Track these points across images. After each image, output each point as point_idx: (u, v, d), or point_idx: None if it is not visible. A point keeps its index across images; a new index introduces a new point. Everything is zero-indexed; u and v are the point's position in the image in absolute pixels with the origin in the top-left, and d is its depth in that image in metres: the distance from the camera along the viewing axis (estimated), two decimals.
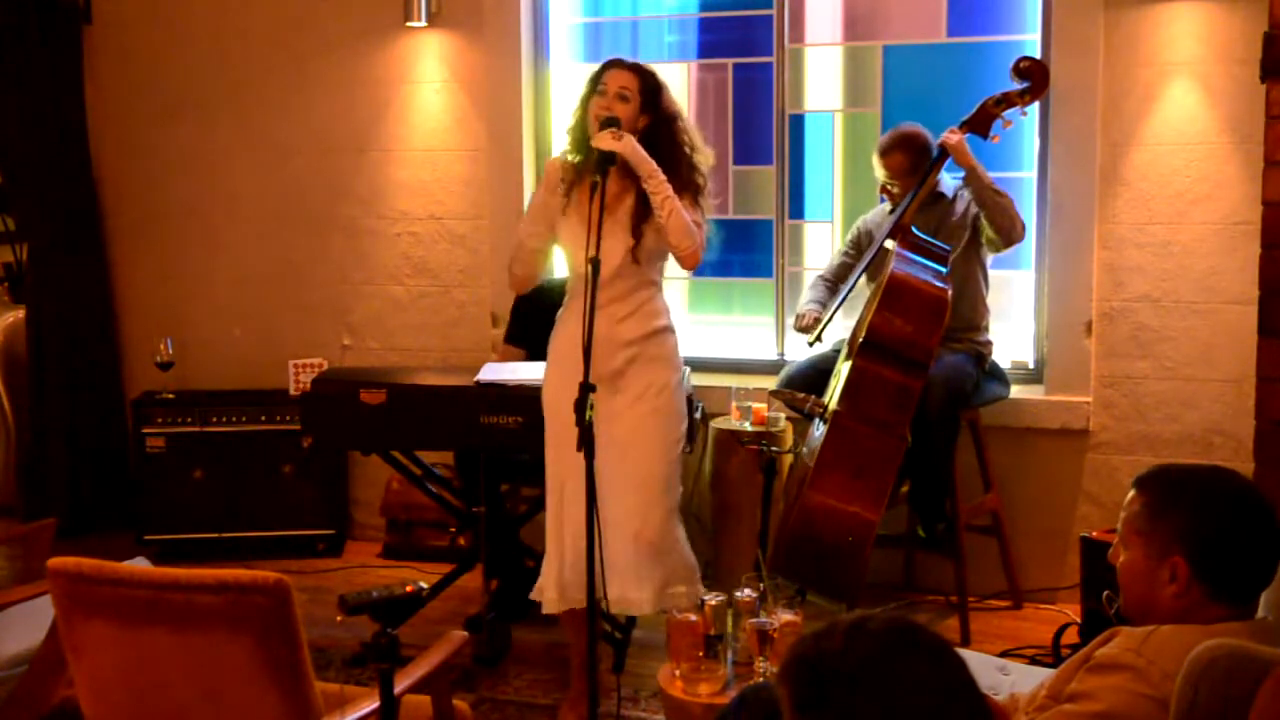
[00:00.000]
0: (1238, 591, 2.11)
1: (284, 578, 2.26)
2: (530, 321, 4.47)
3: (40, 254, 5.45)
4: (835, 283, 4.46)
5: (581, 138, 3.47)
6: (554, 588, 3.49)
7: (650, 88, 3.46)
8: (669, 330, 3.57)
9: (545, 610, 3.53)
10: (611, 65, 3.49)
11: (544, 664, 4.04)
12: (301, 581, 4.50)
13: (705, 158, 3.53)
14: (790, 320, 4.59)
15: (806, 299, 4.45)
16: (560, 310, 3.60)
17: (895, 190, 4.28)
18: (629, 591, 3.41)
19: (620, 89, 3.43)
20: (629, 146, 3.33)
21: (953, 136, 4.12)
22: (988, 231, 4.18)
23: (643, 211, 3.42)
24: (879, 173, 4.31)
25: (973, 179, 4.14)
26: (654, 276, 3.54)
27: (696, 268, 3.51)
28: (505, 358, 4.42)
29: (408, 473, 4.38)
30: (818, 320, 4.28)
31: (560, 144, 5.02)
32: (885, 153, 4.28)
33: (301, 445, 4.25)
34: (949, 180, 4.28)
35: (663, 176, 3.35)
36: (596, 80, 3.48)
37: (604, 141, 3.33)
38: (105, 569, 2.35)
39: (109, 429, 5.57)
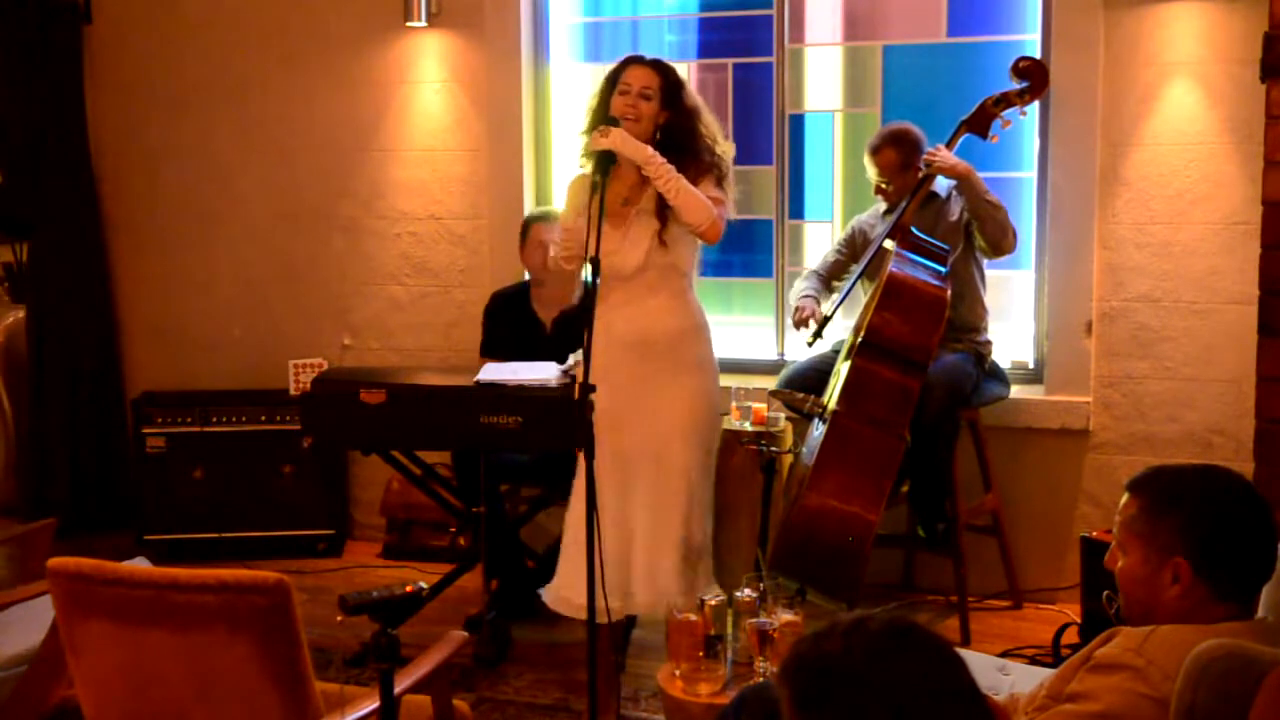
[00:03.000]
0: (1239, 589, 2.11)
1: (284, 578, 2.27)
2: (502, 330, 4.49)
3: (40, 254, 5.45)
4: (829, 277, 4.46)
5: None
6: (637, 591, 3.45)
7: (670, 83, 3.46)
8: (703, 328, 3.56)
9: (617, 618, 3.42)
10: (631, 63, 3.48)
11: (544, 664, 4.04)
12: (301, 581, 4.51)
13: (726, 150, 3.52)
14: (790, 319, 4.57)
15: (799, 290, 4.43)
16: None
17: (889, 189, 4.28)
18: (680, 598, 3.39)
19: (643, 88, 3.42)
20: (618, 139, 3.32)
21: (934, 156, 4.11)
22: (978, 239, 4.19)
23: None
24: (870, 173, 4.31)
25: (966, 187, 4.13)
26: (684, 269, 3.51)
27: (719, 239, 3.49)
28: None
29: (408, 473, 4.38)
30: (814, 313, 4.27)
31: (559, 147, 5.09)
32: (875, 151, 4.28)
33: (301, 445, 4.25)
34: (942, 180, 4.27)
35: (660, 159, 3.34)
36: (615, 79, 3.46)
37: (596, 143, 3.32)
38: (105, 569, 2.35)
39: (109, 429, 5.57)
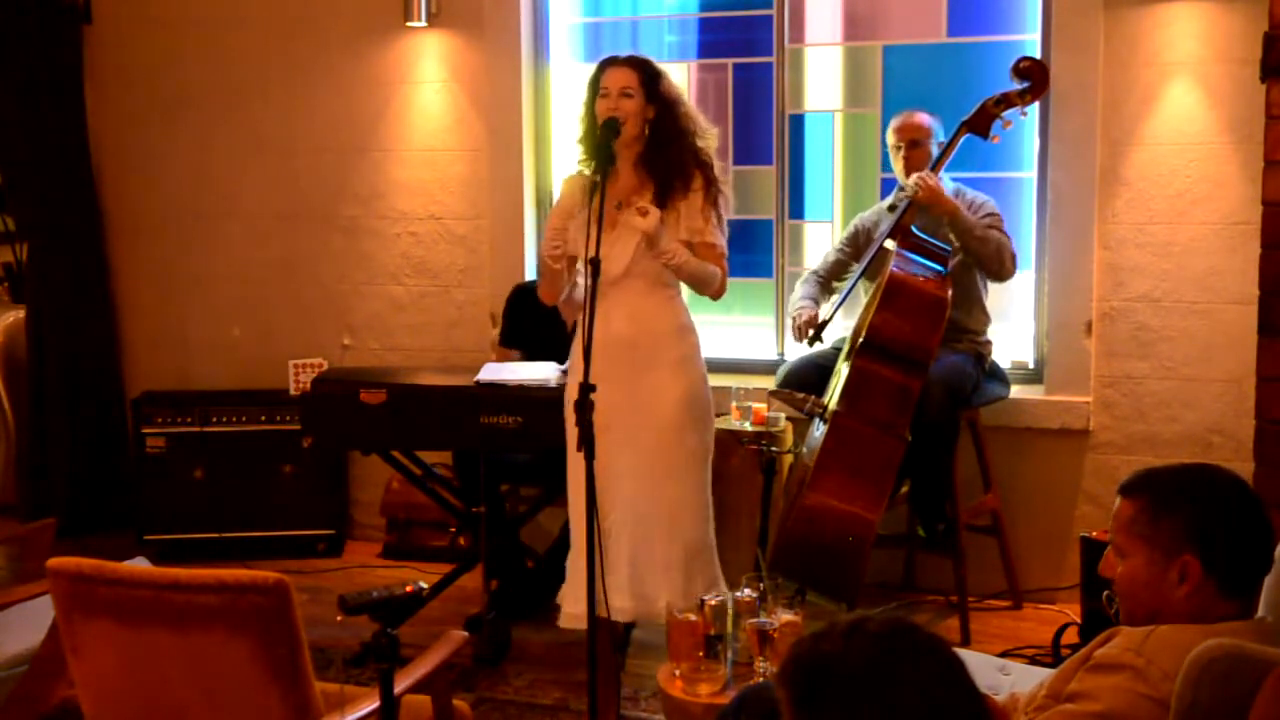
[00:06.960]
0: (1244, 582, 2.12)
1: (284, 578, 2.27)
2: (525, 323, 4.48)
3: (40, 254, 5.45)
4: (828, 279, 4.46)
5: (592, 144, 3.46)
6: (628, 597, 3.42)
7: (649, 77, 3.46)
8: (690, 329, 3.57)
9: (620, 619, 3.41)
10: (607, 64, 3.48)
11: (544, 664, 4.04)
12: (301, 581, 4.49)
13: (710, 140, 3.53)
14: (790, 322, 4.57)
15: (799, 295, 4.43)
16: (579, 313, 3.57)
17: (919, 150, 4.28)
18: (676, 599, 3.37)
19: (622, 88, 3.42)
20: (654, 223, 3.34)
21: (923, 183, 4.08)
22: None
23: (665, 192, 3.43)
24: (896, 137, 4.31)
25: (952, 224, 4.12)
26: (670, 275, 3.52)
27: (723, 294, 3.60)
28: (501, 360, 4.42)
29: (408, 473, 4.38)
30: (814, 319, 4.26)
31: (559, 147, 5.08)
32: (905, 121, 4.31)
33: (301, 445, 4.25)
34: (948, 181, 4.27)
35: (677, 248, 3.39)
36: (596, 83, 3.47)
37: (636, 221, 3.32)
38: (105, 569, 2.36)
39: (109, 429, 5.57)
